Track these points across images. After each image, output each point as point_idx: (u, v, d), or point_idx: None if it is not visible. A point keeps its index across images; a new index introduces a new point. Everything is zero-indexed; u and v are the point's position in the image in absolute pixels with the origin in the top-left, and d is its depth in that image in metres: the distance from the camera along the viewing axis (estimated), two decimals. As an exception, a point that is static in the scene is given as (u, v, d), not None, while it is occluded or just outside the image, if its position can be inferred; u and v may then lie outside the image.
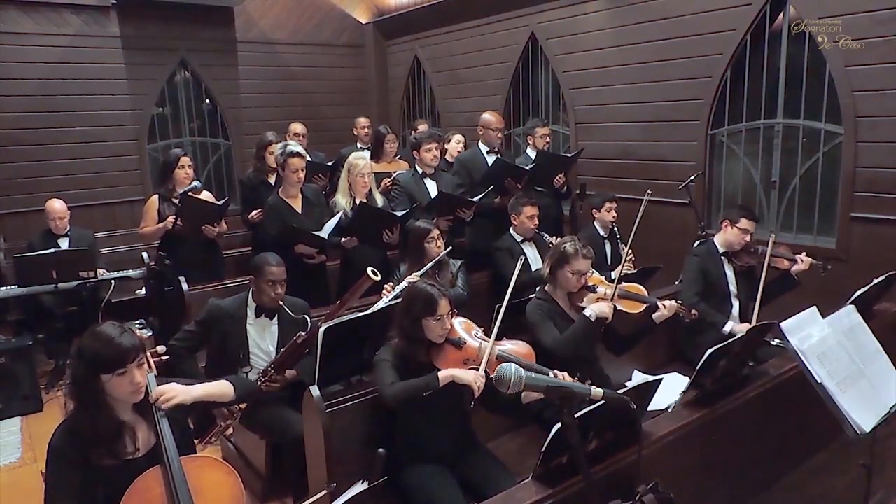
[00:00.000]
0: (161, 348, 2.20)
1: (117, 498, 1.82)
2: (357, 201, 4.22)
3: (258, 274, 3.12)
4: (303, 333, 2.94)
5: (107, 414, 1.89)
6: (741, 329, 3.50)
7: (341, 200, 4.28)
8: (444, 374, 2.39)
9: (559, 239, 3.46)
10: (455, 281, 3.80)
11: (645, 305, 3.14)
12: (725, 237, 3.70)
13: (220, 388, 2.20)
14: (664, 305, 3.08)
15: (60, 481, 1.85)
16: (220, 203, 4.52)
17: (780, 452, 2.79)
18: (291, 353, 2.97)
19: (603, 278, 3.27)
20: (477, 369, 2.42)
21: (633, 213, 3.65)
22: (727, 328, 3.55)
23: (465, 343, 2.56)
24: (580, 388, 1.76)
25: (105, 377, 1.84)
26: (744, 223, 3.63)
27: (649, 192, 3.79)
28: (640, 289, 3.26)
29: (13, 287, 4.63)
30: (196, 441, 2.58)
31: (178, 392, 2.00)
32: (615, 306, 3.00)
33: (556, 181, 4.78)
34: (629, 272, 4.03)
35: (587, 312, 2.92)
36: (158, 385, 2.01)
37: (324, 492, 1.91)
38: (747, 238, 3.65)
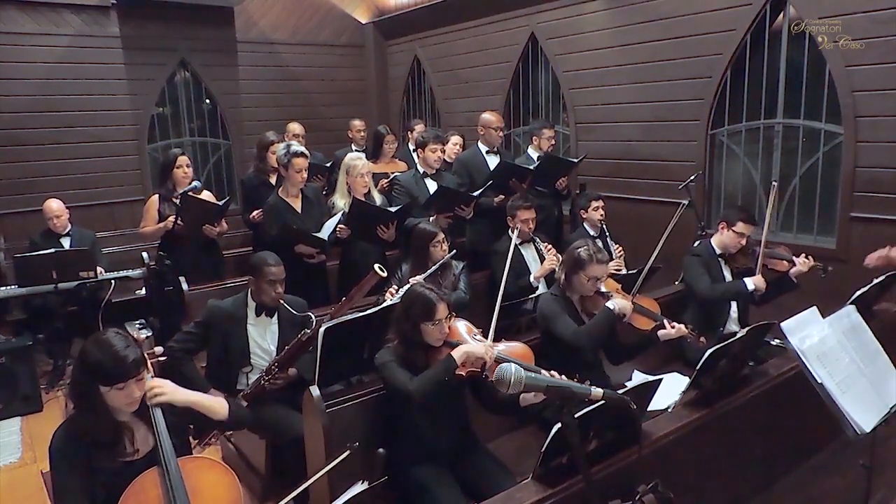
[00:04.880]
0: (159, 349, 2.20)
1: (116, 499, 1.83)
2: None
3: (257, 274, 3.12)
4: (308, 331, 2.95)
5: (105, 417, 1.90)
6: (759, 282, 3.46)
7: (339, 202, 4.28)
8: (458, 354, 2.39)
9: (554, 242, 3.45)
10: (457, 284, 3.80)
11: (655, 323, 3.13)
12: (722, 239, 3.66)
13: (214, 403, 2.16)
14: (673, 326, 3.05)
15: (66, 480, 1.86)
16: (220, 203, 4.52)
17: (780, 452, 2.79)
18: (296, 351, 2.98)
19: (619, 286, 3.27)
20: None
21: (632, 214, 3.65)
22: (750, 286, 3.47)
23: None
24: (580, 388, 1.76)
25: (104, 388, 1.85)
26: (740, 226, 3.58)
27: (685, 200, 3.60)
28: (654, 304, 3.24)
29: (13, 287, 4.63)
30: (195, 443, 2.59)
31: (167, 389, 1.99)
32: (634, 304, 3.01)
33: (558, 184, 4.78)
34: (618, 271, 4.03)
35: (610, 305, 2.92)
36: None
37: (347, 452, 1.92)
38: (743, 241, 3.61)
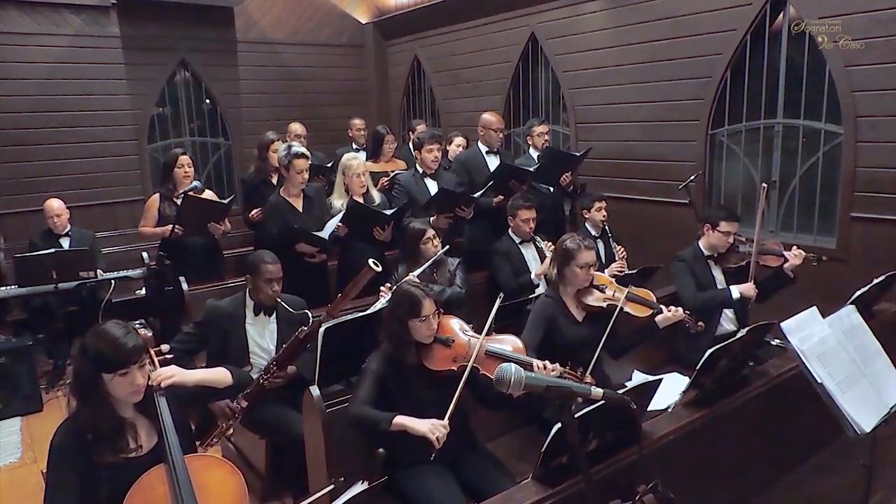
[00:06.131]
0: (165, 347, 2.21)
1: (121, 496, 1.83)
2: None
3: (254, 272, 3.13)
4: (304, 328, 2.95)
5: (108, 411, 1.90)
6: (746, 290, 3.45)
7: (337, 203, 4.28)
8: (398, 422, 2.33)
9: (553, 244, 3.43)
10: (453, 279, 3.80)
11: (651, 311, 3.11)
12: (709, 241, 3.61)
13: (218, 374, 2.34)
14: (670, 310, 3.04)
15: (60, 479, 1.86)
16: (224, 202, 4.50)
17: (780, 452, 2.79)
18: (294, 349, 2.98)
19: (612, 279, 3.26)
20: (442, 418, 2.33)
21: (632, 214, 3.64)
22: (735, 295, 3.45)
23: (454, 341, 2.55)
24: (580, 388, 1.76)
25: (107, 377, 1.86)
26: (724, 226, 3.53)
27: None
28: (649, 294, 3.21)
29: (13, 287, 4.63)
30: (197, 444, 2.59)
31: (175, 372, 2.07)
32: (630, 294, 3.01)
33: (562, 180, 4.76)
34: (620, 272, 4.02)
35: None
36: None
37: (331, 486, 1.92)
38: (730, 240, 3.56)
